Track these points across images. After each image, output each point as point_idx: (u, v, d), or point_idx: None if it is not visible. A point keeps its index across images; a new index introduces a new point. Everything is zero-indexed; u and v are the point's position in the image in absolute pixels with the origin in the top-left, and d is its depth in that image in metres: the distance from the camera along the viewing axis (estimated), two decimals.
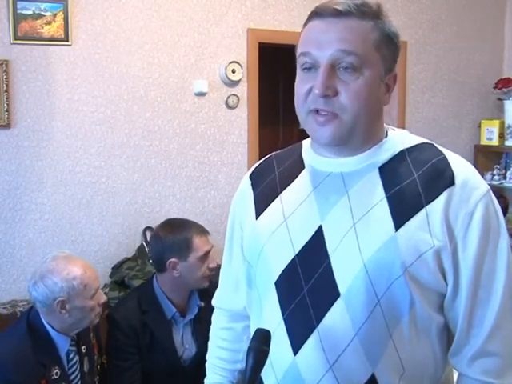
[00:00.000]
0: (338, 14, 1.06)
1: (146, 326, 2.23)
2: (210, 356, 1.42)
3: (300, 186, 1.18)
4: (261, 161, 1.34)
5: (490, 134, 4.20)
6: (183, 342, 2.32)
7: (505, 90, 4.12)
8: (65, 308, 1.90)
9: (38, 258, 2.76)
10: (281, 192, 1.20)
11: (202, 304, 2.34)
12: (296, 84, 1.12)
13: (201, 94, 3.23)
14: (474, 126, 4.32)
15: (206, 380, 1.41)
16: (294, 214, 1.15)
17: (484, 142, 4.24)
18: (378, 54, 1.07)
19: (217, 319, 1.42)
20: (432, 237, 1.04)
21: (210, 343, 1.43)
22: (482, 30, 4.28)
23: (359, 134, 1.09)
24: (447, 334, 1.13)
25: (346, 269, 1.06)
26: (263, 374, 1.13)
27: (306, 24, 1.12)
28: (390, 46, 1.09)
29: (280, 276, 1.13)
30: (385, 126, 1.18)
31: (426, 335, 1.09)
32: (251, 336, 1.03)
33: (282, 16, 3.45)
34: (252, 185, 1.28)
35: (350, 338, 1.05)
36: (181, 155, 3.22)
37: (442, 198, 1.05)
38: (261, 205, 1.22)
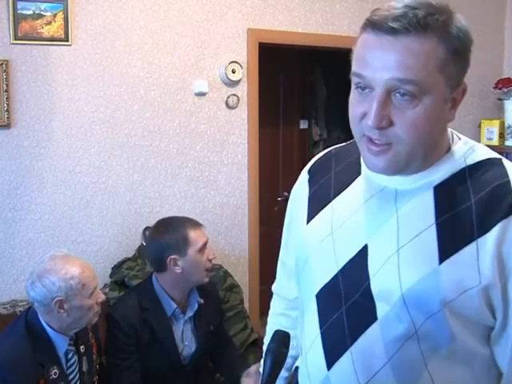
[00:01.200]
0: (394, 32, 0.92)
1: (145, 324, 2.23)
2: (267, 340, 1.40)
3: (353, 195, 1.12)
4: (321, 154, 1.28)
5: (490, 134, 4.20)
6: (183, 338, 2.32)
7: (505, 89, 4.12)
8: (63, 307, 1.90)
9: (38, 257, 2.76)
10: (334, 198, 1.15)
11: (202, 301, 2.34)
12: (350, 102, 1.03)
13: (201, 94, 3.23)
14: (474, 126, 4.31)
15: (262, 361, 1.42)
16: (342, 227, 1.10)
17: (484, 142, 4.24)
18: (441, 75, 0.95)
19: (274, 305, 1.45)
20: (479, 274, 0.95)
21: (267, 327, 1.44)
22: (482, 30, 4.28)
23: (417, 160, 1.01)
24: (494, 371, 1.05)
25: (385, 294, 1.01)
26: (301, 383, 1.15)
27: (361, 31, 1.00)
28: (457, 61, 0.97)
29: (322, 289, 1.11)
30: (449, 133, 1.09)
31: (468, 368, 1.03)
32: (302, 339, 1.04)
33: (282, 16, 3.45)
34: (309, 181, 1.24)
35: (382, 364, 1.02)
36: (181, 155, 3.22)
37: (495, 230, 0.95)
38: (313, 208, 1.18)
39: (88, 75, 2.94)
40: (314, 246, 1.13)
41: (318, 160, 1.27)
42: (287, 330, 1.33)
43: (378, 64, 0.94)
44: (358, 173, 1.13)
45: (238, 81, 3.32)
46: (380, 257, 1.03)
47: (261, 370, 1.35)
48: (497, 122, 4.16)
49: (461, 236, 0.97)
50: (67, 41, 2.85)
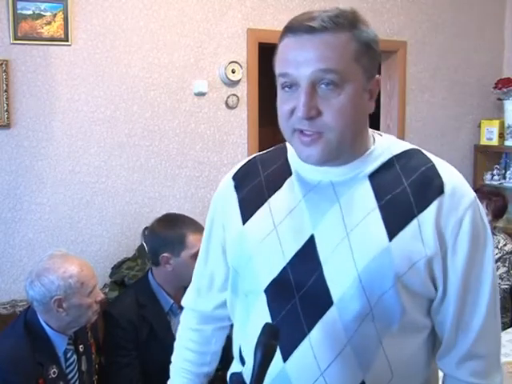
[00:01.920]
0: (312, 30, 1.02)
1: (144, 321, 2.24)
2: (175, 358, 1.40)
3: (288, 192, 1.16)
4: (243, 162, 1.30)
5: (489, 134, 4.20)
6: None
7: (505, 89, 4.12)
8: (62, 306, 1.90)
9: (38, 257, 2.75)
10: (268, 197, 1.17)
11: None
12: (278, 103, 1.10)
13: (201, 94, 3.23)
14: (473, 126, 4.32)
15: (169, 382, 1.40)
16: (285, 221, 1.13)
17: (484, 141, 4.24)
18: (358, 65, 1.05)
19: (186, 320, 1.41)
20: (424, 246, 1.05)
21: (176, 344, 1.41)
22: (482, 30, 4.28)
23: (346, 148, 1.08)
24: (433, 338, 1.15)
25: (340, 278, 1.06)
26: None
27: (280, 40, 1.08)
28: (369, 53, 1.07)
29: (270, 284, 1.12)
30: (370, 132, 1.17)
31: (414, 340, 1.11)
32: (243, 340, 1.02)
33: (281, 16, 3.45)
34: (235, 186, 1.24)
35: (343, 346, 1.06)
36: (181, 155, 3.22)
37: (432, 208, 1.06)
38: (247, 209, 1.19)
39: (88, 75, 2.94)
40: (257, 243, 1.14)
41: (242, 167, 1.28)
42: (198, 347, 1.35)
43: (300, 60, 1.03)
44: (289, 173, 1.18)
45: (238, 81, 3.32)
46: (329, 243, 1.08)
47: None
48: (496, 122, 4.16)
49: (403, 215, 1.07)
50: (67, 41, 2.85)
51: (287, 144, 1.21)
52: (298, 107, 1.03)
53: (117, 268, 2.95)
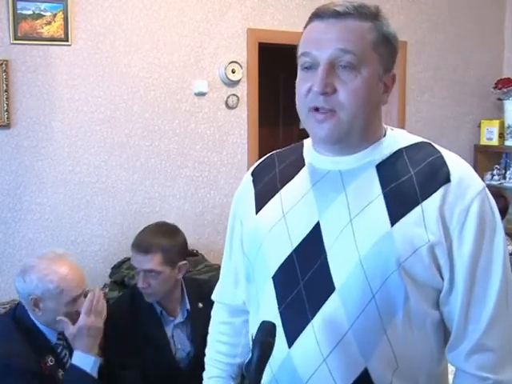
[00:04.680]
0: (337, 15, 1.09)
1: (138, 325, 2.24)
2: (209, 350, 1.43)
3: (299, 182, 1.19)
4: (263, 158, 1.36)
5: (489, 134, 4.20)
6: (174, 342, 2.32)
7: (505, 89, 4.12)
8: (38, 306, 1.93)
9: None
10: (281, 188, 1.21)
11: (201, 305, 2.34)
12: (297, 83, 1.14)
13: (201, 94, 3.23)
14: (473, 126, 4.32)
15: (204, 374, 1.42)
16: (293, 209, 1.17)
17: (484, 141, 4.24)
18: (375, 53, 1.09)
19: (216, 314, 1.44)
20: (427, 232, 1.05)
21: (209, 337, 1.44)
22: (482, 30, 4.28)
23: (357, 132, 1.11)
24: (444, 330, 1.13)
25: (342, 264, 1.08)
26: None
27: (306, 25, 1.15)
28: (387, 46, 1.12)
29: (277, 270, 1.15)
30: (384, 125, 1.19)
31: (421, 331, 1.10)
32: (255, 329, 1.03)
33: (281, 16, 3.45)
34: (253, 181, 1.30)
35: (344, 332, 1.07)
36: (181, 155, 3.22)
37: (437, 195, 1.07)
38: (261, 200, 1.24)
39: (88, 75, 2.94)
40: (267, 231, 1.18)
41: (260, 163, 1.34)
42: (229, 339, 1.38)
43: (323, 40, 1.09)
44: (302, 165, 1.22)
45: (238, 81, 3.32)
46: (334, 230, 1.10)
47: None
48: (496, 122, 4.16)
49: (406, 202, 1.08)
50: (67, 41, 2.85)
51: (304, 141, 1.26)
52: (314, 83, 1.08)
53: (117, 268, 2.94)
